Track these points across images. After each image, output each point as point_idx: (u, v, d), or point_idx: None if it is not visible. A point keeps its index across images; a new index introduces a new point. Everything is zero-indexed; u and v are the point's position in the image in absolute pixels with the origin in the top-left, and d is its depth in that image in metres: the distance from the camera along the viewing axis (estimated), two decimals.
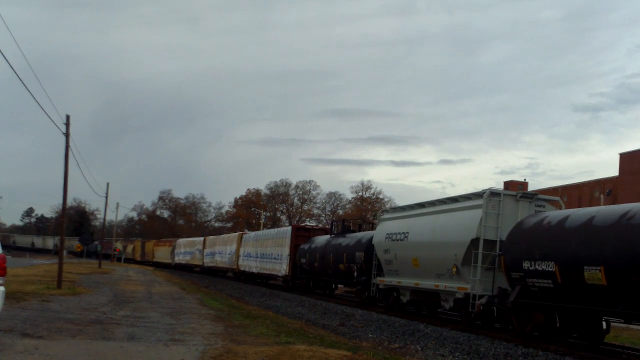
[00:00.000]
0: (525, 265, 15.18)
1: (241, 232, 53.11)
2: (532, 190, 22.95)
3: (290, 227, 38.66)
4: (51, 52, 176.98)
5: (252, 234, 48.30)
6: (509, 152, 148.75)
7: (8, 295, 14.41)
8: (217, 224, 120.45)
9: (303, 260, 33.85)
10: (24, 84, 20.25)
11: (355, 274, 26.39)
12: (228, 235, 57.60)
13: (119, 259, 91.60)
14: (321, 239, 33.11)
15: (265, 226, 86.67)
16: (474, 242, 17.96)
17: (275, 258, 38.47)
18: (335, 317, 21.24)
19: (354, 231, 31.24)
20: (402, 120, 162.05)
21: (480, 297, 17.61)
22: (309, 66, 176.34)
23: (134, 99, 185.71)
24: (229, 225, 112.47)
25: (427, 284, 20.48)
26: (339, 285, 34.13)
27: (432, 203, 21.81)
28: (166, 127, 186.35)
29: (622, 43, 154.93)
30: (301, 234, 36.49)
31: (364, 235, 27.99)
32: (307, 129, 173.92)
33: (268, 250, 40.03)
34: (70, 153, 26.76)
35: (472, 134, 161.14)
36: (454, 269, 18.73)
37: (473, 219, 18.25)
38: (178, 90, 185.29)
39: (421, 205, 22.52)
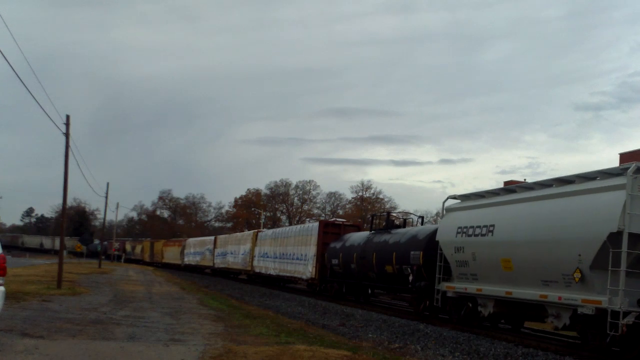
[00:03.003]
0: None
1: (256, 230, 48.32)
2: None
3: (317, 223, 33.39)
4: (50, 51, 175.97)
5: (270, 231, 43.20)
6: (510, 151, 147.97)
7: (8, 295, 14.18)
8: (217, 224, 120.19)
9: (334, 262, 28.86)
10: (24, 84, 20.18)
11: (411, 278, 21.41)
12: (241, 233, 53.19)
13: (118, 259, 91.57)
14: (358, 236, 28.16)
15: (265, 226, 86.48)
16: (613, 237, 13.06)
17: (298, 258, 33.76)
18: (335, 317, 20.69)
19: (398, 226, 26.17)
20: (402, 119, 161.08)
21: (625, 314, 12.77)
22: (309, 65, 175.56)
23: (133, 98, 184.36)
24: (229, 225, 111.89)
25: (527, 293, 15.52)
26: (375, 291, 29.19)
27: (527, 187, 16.88)
28: (166, 127, 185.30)
29: (624, 41, 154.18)
30: (330, 231, 31.52)
31: (420, 230, 22.81)
32: (307, 129, 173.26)
33: (289, 250, 35.24)
34: (70, 153, 26.76)
35: (473, 133, 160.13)
36: (577, 275, 13.96)
37: (610, 206, 13.37)
38: (178, 89, 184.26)
39: (508, 190, 17.69)
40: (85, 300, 19.93)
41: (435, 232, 20.44)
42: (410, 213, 28.36)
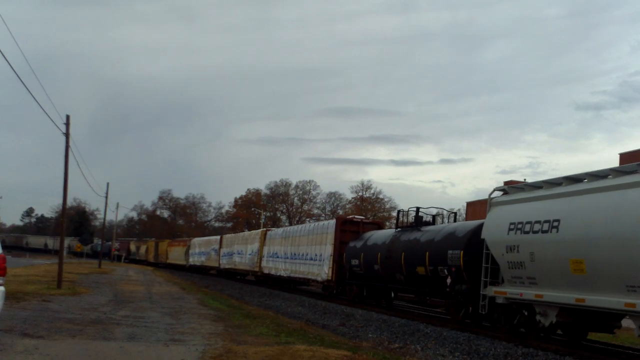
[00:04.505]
0: None
1: (265, 229, 45.76)
2: None
3: (333, 220, 30.63)
4: (49, 51, 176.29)
5: (280, 230, 41.00)
6: (510, 151, 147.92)
7: (8, 295, 14.17)
8: (217, 224, 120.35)
9: (354, 262, 26.45)
10: (24, 84, 20.23)
11: (449, 281, 19.05)
12: (249, 232, 51.03)
13: (119, 259, 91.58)
14: (382, 234, 25.90)
15: (266, 226, 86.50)
16: None
17: (312, 259, 31.43)
18: (335, 317, 20.58)
19: (428, 223, 23.78)
20: (402, 119, 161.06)
21: None
22: (309, 64, 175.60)
23: (133, 98, 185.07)
24: (229, 225, 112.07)
25: (607, 301, 13.01)
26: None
27: (599, 175, 14.15)
28: (166, 126, 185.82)
29: (625, 41, 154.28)
30: (348, 229, 29.17)
31: (459, 226, 20.31)
32: (307, 128, 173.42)
33: (302, 250, 32.99)
34: (70, 153, 26.77)
35: (473, 133, 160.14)
36: None
37: None
38: (177, 88, 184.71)
39: (574, 179, 14.98)
40: (85, 300, 19.94)
41: (477, 228, 18.23)
42: (442, 209, 25.74)
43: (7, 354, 9.41)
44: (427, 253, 20.41)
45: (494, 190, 18.17)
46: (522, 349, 14.01)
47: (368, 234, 27.33)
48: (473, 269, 17.96)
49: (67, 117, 26.80)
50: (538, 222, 15.01)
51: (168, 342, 11.61)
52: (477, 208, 45.78)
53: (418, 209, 24.28)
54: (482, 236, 17.34)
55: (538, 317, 15.28)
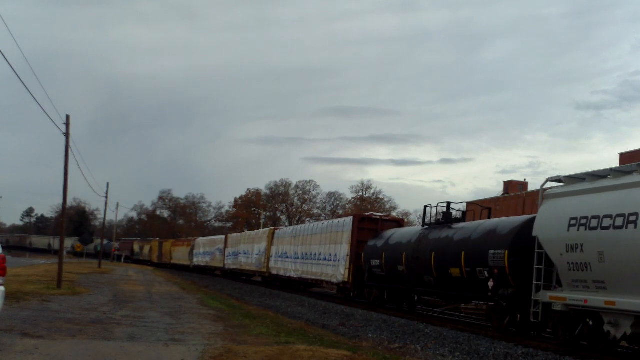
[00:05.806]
0: None
1: (273, 227, 43.82)
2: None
3: (350, 218, 28.25)
4: (48, 50, 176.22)
5: (290, 228, 39.16)
6: (511, 151, 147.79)
7: (8, 295, 14.20)
8: (217, 224, 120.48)
9: (374, 263, 24.41)
10: (24, 84, 20.21)
11: (491, 284, 17.09)
12: (255, 231, 49.00)
13: (119, 259, 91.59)
14: (406, 233, 23.91)
15: (265, 226, 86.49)
16: None
17: (325, 259, 29.39)
18: (335, 317, 20.59)
19: (458, 220, 21.66)
20: (403, 118, 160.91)
21: None
22: (309, 64, 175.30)
23: (133, 98, 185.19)
24: (229, 225, 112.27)
25: None
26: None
27: None
28: (165, 126, 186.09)
29: (625, 40, 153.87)
30: (366, 227, 26.82)
31: (500, 222, 18.20)
32: (308, 128, 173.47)
33: (314, 249, 30.97)
34: (70, 153, 26.77)
35: (474, 133, 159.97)
36: None
37: None
38: (177, 88, 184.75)
39: None
40: (85, 300, 19.95)
41: (524, 225, 16.48)
42: (476, 204, 23.55)
43: (7, 354, 9.42)
44: (463, 253, 18.47)
45: (547, 181, 15.91)
46: (522, 349, 14.01)
47: (389, 232, 25.24)
48: (519, 270, 16.12)
49: (67, 117, 26.79)
50: (608, 216, 12.87)
51: (168, 342, 11.62)
52: (477, 208, 45.70)
53: (449, 204, 22.09)
54: (534, 233, 15.20)
55: (607, 328, 13.20)
